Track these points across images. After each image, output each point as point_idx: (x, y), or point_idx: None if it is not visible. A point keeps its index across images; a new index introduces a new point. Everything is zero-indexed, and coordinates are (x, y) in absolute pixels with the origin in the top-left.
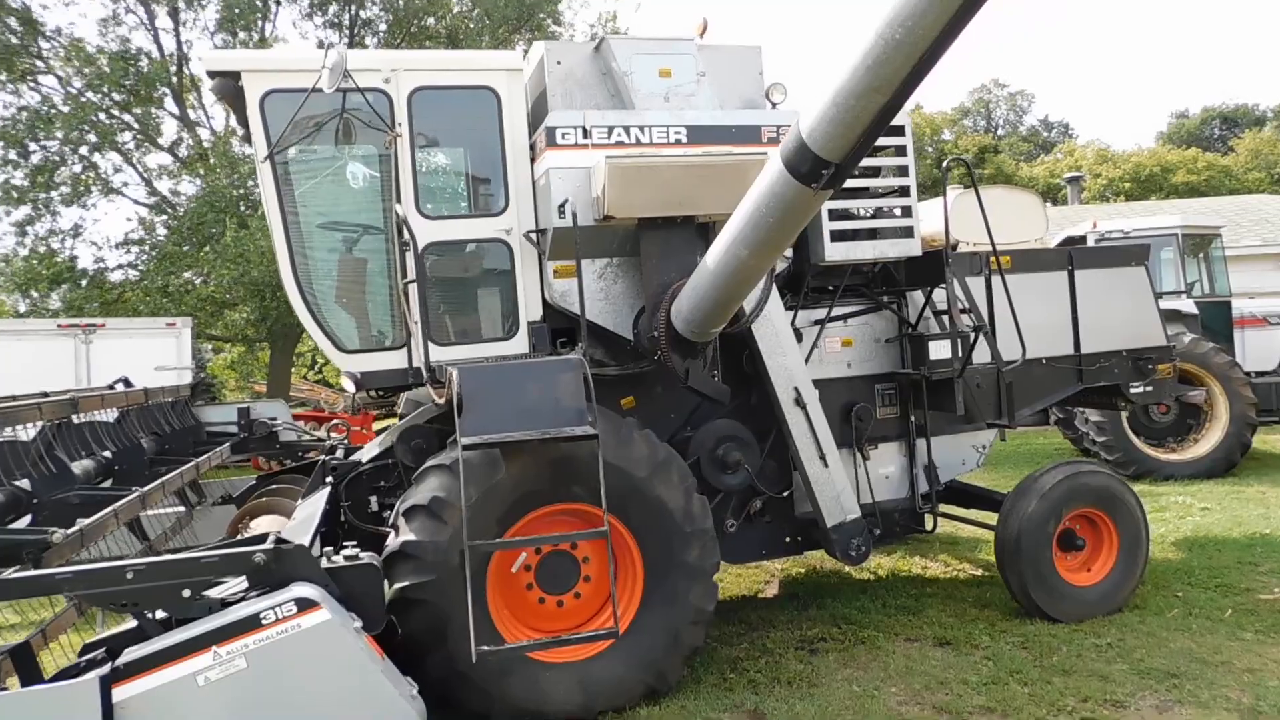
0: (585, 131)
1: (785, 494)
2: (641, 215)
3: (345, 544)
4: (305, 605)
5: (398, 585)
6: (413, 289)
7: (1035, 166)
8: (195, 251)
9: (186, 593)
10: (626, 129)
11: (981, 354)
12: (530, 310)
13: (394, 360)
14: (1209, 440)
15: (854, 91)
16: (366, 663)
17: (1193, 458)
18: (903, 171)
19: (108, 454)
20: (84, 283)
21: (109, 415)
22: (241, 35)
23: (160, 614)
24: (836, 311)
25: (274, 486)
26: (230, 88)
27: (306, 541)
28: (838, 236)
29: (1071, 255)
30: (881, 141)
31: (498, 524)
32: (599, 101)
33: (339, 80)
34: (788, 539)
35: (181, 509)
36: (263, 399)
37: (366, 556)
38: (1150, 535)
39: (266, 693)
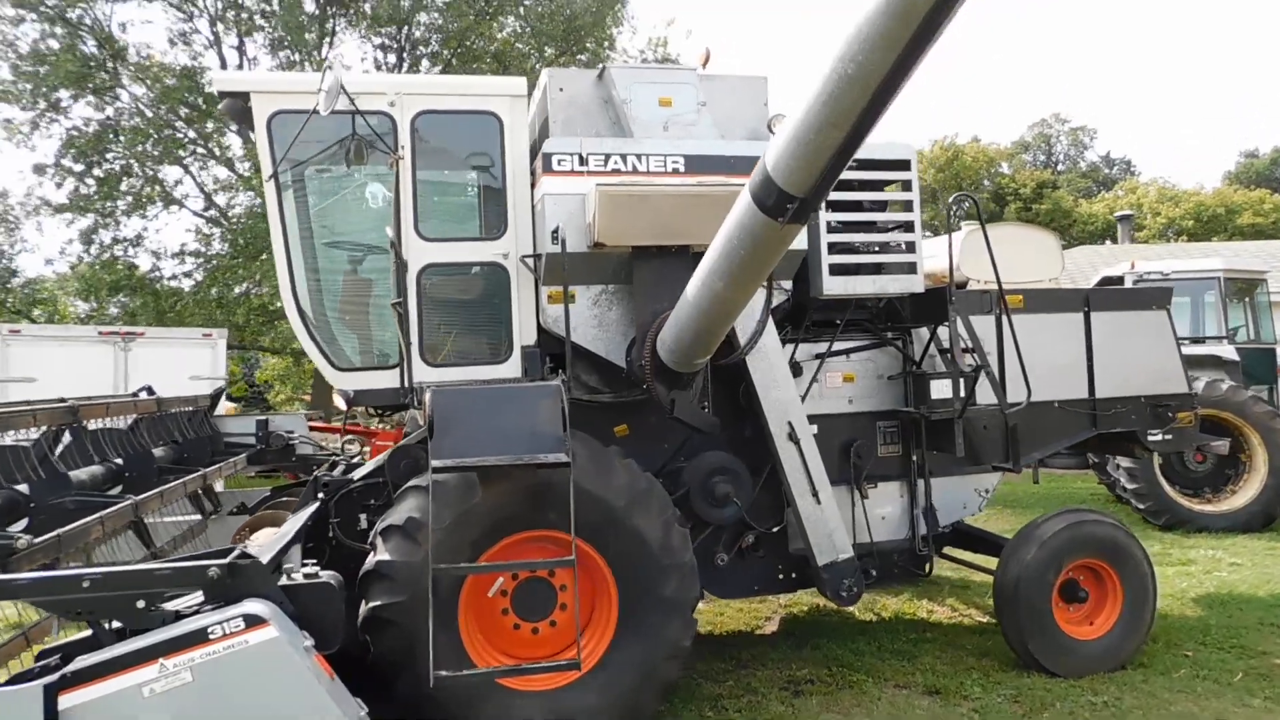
0: (582, 158)
1: (775, 529)
2: (632, 243)
3: (307, 562)
4: (253, 621)
5: (371, 605)
6: (407, 309)
7: (1095, 203)
8: (248, 264)
9: (141, 604)
10: (624, 157)
11: (988, 395)
12: (525, 335)
13: (387, 380)
14: (1246, 492)
15: (813, 125)
16: (312, 682)
17: (1228, 510)
18: (907, 207)
19: (119, 461)
20: (140, 291)
21: (123, 423)
22: (297, 56)
23: (116, 624)
24: (839, 346)
25: (284, 499)
26: (240, 108)
27: (268, 558)
28: (837, 270)
29: (1088, 296)
30: (886, 176)
31: (472, 548)
32: (600, 129)
33: (334, 102)
34: (781, 575)
35: (196, 517)
36: (301, 408)
37: (326, 575)
38: (1158, 589)
39: (210, 707)
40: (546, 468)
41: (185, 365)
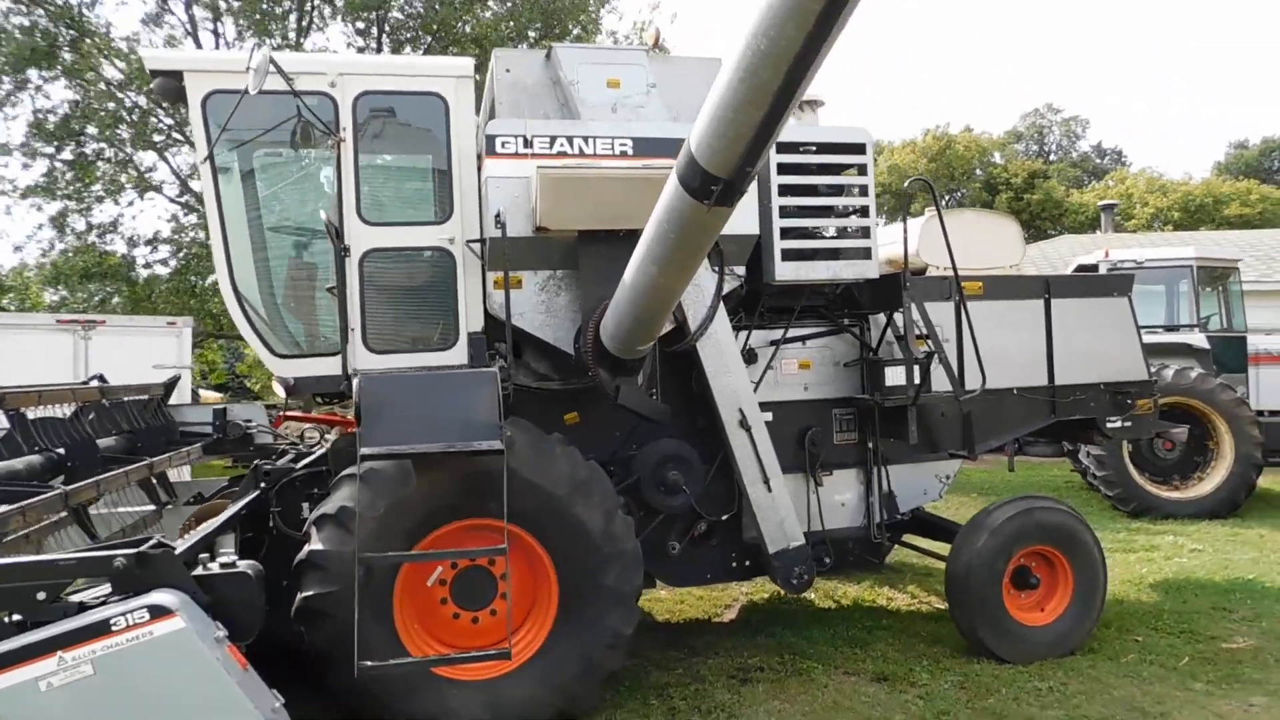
0: (526, 141)
1: (725, 518)
2: (575, 227)
3: (225, 551)
4: (159, 613)
5: (303, 595)
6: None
7: (1085, 193)
8: None
9: (41, 595)
10: (570, 139)
11: (946, 383)
12: (471, 321)
13: (328, 367)
14: (1213, 479)
15: (731, 104)
16: (220, 674)
17: (1195, 497)
18: (862, 191)
19: (60, 451)
20: (112, 278)
21: (65, 412)
22: (277, 42)
23: (16, 617)
24: (796, 333)
25: (235, 489)
26: (173, 88)
27: (183, 548)
28: (789, 255)
29: (1048, 283)
30: (840, 160)
31: (406, 537)
32: (548, 111)
33: (263, 81)
34: (734, 563)
35: (151, 508)
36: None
37: (244, 565)
38: (1108, 576)
39: (113, 700)
40: (480, 455)
41: (149, 354)
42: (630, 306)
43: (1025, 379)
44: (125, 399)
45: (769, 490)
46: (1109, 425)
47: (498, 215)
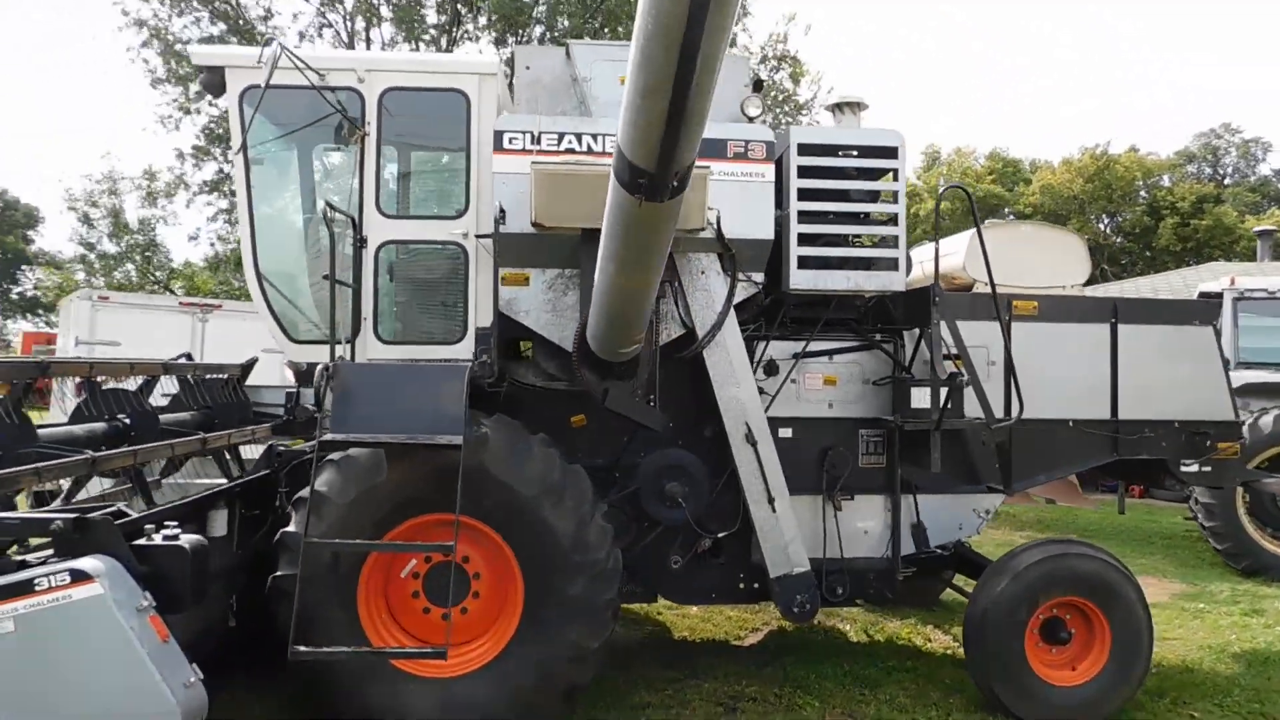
0: (534, 137)
1: (722, 535)
2: (571, 225)
3: (169, 524)
4: (79, 577)
5: (274, 574)
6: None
7: (1263, 220)
8: None
9: None
10: (579, 136)
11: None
12: (481, 316)
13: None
14: None
15: (637, 90)
16: (130, 643)
17: None
18: (892, 198)
19: (127, 420)
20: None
21: (133, 384)
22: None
23: None
24: (821, 346)
25: None
26: (217, 82)
27: (134, 516)
28: (807, 263)
29: (1116, 306)
30: (869, 164)
31: (375, 526)
32: (566, 109)
33: (273, 71)
34: (742, 585)
35: (223, 481)
36: None
37: (186, 539)
38: (1154, 636)
39: (29, 658)
40: (438, 449)
41: (258, 339)
42: (601, 308)
43: (1084, 410)
44: (206, 377)
45: (773, 511)
46: (1183, 469)
47: (501, 211)
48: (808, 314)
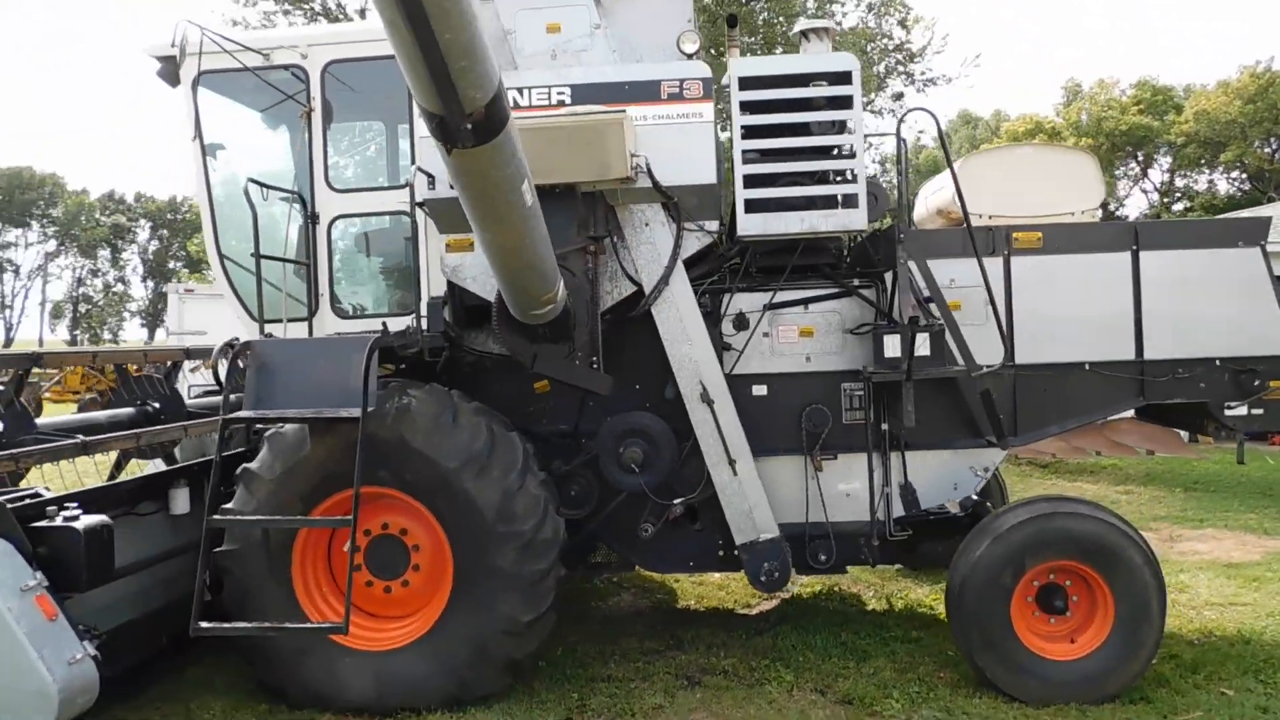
0: None
1: (680, 502)
2: None
3: (69, 505)
4: None
5: (215, 551)
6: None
7: None
8: None
9: None
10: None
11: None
12: (434, 286)
13: (299, 331)
14: None
15: (384, 25)
16: (9, 623)
17: None
18: (840, 128)
19: (156, 405)
20: None
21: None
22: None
23: None
24: (794, 295)
25: None
26: (172, 71)
27: (47, 499)
28: (754, 206)
29: (1138, 231)
30: (817, 92)
31: (302, 501)
32: (502, 64)
33: (184, 55)
34: (721, 553)
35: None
36: None
37: (86, 521)
38: (1165, 606)
39: None
40: (339, 422)
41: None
42: (494, 268)
43: (1102, 352)
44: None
45: (734, 474)
46: (1228, 413)
47: (430, 177)
48: (778, 262)
